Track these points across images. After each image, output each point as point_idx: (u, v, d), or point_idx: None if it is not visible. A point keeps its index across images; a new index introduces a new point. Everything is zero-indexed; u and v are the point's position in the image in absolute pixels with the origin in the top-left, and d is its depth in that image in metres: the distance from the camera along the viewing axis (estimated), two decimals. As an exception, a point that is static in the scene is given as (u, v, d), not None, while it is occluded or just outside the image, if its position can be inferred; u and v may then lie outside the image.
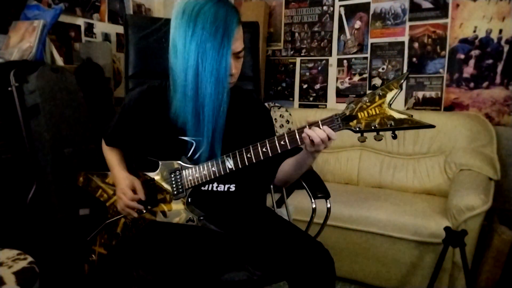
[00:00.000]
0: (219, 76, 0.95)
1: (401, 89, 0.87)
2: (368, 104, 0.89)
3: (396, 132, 0.89)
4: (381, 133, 0.90)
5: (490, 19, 2.26)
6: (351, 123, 0.91)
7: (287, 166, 1.16)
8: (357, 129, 0.90)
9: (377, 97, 0.88)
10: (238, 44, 0.99)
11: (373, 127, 0.89)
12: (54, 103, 1.69)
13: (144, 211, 1.12)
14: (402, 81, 0.87)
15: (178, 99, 1.01)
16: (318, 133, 0.93)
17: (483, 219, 1.70)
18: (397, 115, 0.87)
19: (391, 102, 0.87)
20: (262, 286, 1.11)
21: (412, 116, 0.86)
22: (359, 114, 0.90)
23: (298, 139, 0.96)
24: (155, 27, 1.53)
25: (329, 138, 0.94)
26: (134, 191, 1.10)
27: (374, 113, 0.89)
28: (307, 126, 0.94)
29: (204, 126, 0.99)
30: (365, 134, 0.92)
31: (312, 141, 0.94)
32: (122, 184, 1.10)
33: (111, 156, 1.21)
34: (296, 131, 0.95)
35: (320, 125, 0.93)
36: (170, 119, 1.05)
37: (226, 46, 0.94)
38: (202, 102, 0.96)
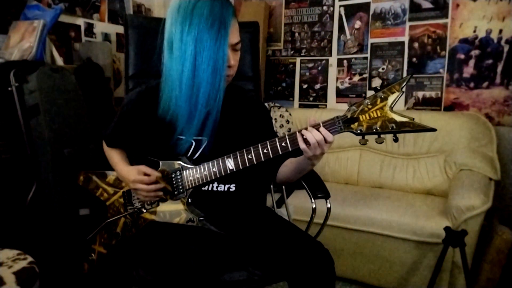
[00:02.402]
0: (216, 65, 0.96)
1: (403, 92, 0.87)
2: (370, 106, 0.89)
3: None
4: (382, 136, 0.90)
5: (490, 19, 2.26)
6: (352, 126, 0.91)
7: (286, 169, 1.16)
8: (359, 131, 0.90)
9: (378, 100, 0.89)
10: (234, 36, 1.01)
11: (374, 130, 0.89)
12: (54, 103, 1.69)
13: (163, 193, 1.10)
14: (404, 84, 0.87)
15: (172, 93, 1.02)
16: (314, 134, 0.93)
17: (483, 219, 1.70)
18: (398, 118, 0.87)
19: (392, 105, 0.88)
20: (262, 286, 1.11)
21: (413, 119, 0.86)
22: (360, 116, 0.90)
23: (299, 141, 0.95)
24: (155, 27, 1.54)
25: (326, 141, 0.93)
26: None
27: (375, 115, 0.89)
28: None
29: (197, 111, 1.00)
30: (366, 137, 0.92)
31: (307, 142, 0.93)
32: (131, 175, 1.09)
33: (113, 155, 1.21)
34: (297, 132, 0.95)
35: (321, 127, 0.93)
36: (169, 118, 1.05)
37: (223, 36, 0.96)
38: (197, 89, 0.98)
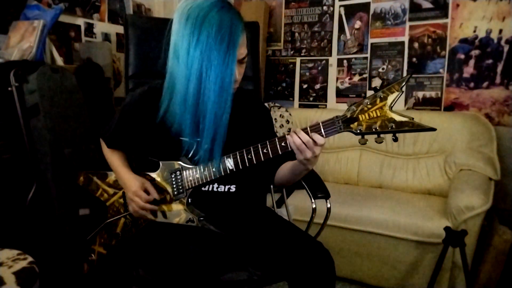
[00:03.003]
0: (223, 84, 0.94)
1: (403, 92, 0.88)
2: (369, 106, 0.89)
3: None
4: (382, 135, 0.90)
5: (490, 19, 2.26)
6: (352, 125, 0.91)
7: (282, 172, 1.16)
8: (358, 131, 0.91)
9: (378, 100, 0.89)
10: (242, 50, 0.98)
11: (374, 130, 0.89)
12: (54, 103, 1.69)
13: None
14: (404, 84, 0.87)
15: (176, 105, 1.00)
16: (299, 137, 0.92)
17: (483, 219, 1.70)
18: (398, 118, 0.87)
19: (392, 105, 0.88)
20: (262, 286, 1.11)
21: (413, 119, 0.86)
22: (360, 116, 0.90)
23: None
24: (155, 27, 1.54)
25: (316, 144, 0.93)
26: (145, 192, 1.09)
27: (375, 115, 0.89)
28: (308, 128, 0.94)
29: (203, 133, 0.98)
30: (366, 137, 0.92)
31: (292, 146, 0.93)
32: (133, 186, 1.09)
33: (114, 158, 1.20)
34: (282, 137, 0.96)
35: (322, 127, 0.93)
36: (174, 126, 1.05)
37: (231, 55, 0.93)
38: (203, 110, 0.96)
